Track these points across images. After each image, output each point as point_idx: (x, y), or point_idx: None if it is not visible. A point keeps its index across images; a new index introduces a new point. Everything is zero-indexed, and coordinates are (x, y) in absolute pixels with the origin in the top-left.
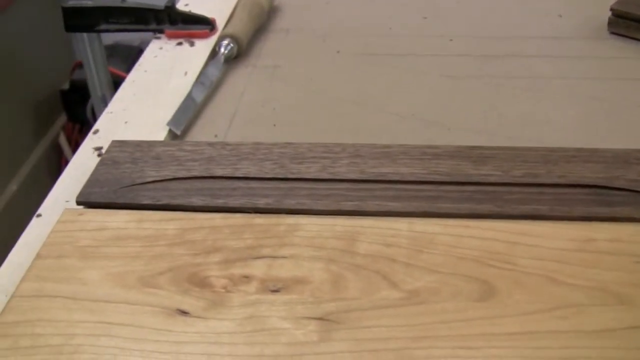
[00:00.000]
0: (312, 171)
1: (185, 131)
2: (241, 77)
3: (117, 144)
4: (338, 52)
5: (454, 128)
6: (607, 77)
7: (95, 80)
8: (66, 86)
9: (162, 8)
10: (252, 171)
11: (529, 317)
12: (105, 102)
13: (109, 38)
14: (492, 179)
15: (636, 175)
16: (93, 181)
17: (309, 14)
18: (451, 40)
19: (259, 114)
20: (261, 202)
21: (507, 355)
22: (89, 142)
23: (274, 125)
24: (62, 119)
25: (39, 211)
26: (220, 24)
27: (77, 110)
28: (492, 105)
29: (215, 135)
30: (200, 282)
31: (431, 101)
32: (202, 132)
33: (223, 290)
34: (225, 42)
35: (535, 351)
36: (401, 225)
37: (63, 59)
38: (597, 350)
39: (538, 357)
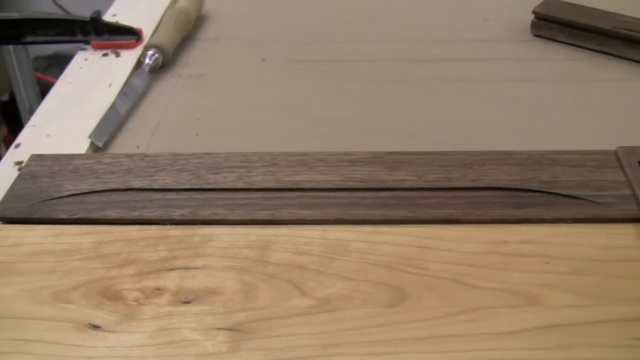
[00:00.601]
0: (228, 181)
1: (108, 143)
2: (166, 87)
3: (36, 158)
4: (263, 60)
5: (379, 133)
6: (531, 79)
7: (23, 93)
8: (6, 97)
9: (88, 19)
10: (169, 182)
11: (437, 321)
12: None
13: (51, 48)
14: (406, 184)
15: (549, 177)
16: (10, 196)
17: (237, 23)
18: (376, 45)
19: (182, 124)
20: (176, 214)
21: None
22: (10, 157)
23: (197, 135)
24: (3, 130)
25: None
26: (147, 34)
27: (18, 121)
28: (418, 109)
29: (138, 147)
30: (112, 296)
31: (357, 107)
32: (124, 144)
33: (135, 303)
34: (150, 52)
35: (442, 355)
36: (314, 233)
37: (2, 70)
38: (504, 352)
39: None
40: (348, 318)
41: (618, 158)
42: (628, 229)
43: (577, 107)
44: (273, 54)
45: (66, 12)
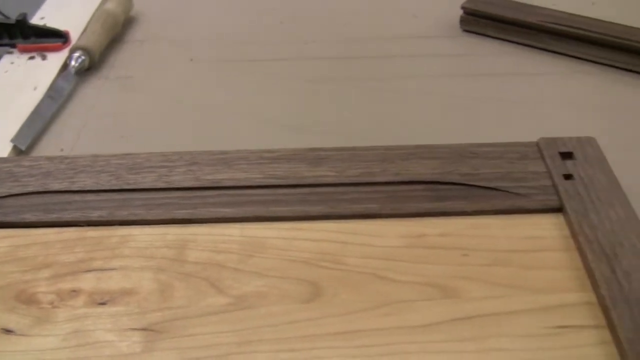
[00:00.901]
0: (147, 181)
1: (32, 146)
2: (93, 89)
3: None
4: (191, 60)
5: (305, 131)
6: (459, 74)
7: None
8: None
9: (14, 22)
10: (89, 184)
11: (353, 316)
12: None
13: None
14: (326, 180)
15: (469, 169)
16: None
17: (166, 24)
18: (306, 43)
19: (108, 125)
20: (94, 215)
21: (329, 356)
22: None
23: (122, 136)
24: None
25: None
26: (75, 36)
27: None
28: (345, 107)
29: (62, 150)
30: (27, 299)
31: (286, 105)
32: (48, 147)
33: (50, 306)
34: (76, 54)
35: (357, 350)
36: (233, 231)
37: None
38: (420, 344)
39: (360, 355)
40: (264, 315)
41: (539, 149)
42: (547, 219)
43: (503, 100)
44: (201, 54)
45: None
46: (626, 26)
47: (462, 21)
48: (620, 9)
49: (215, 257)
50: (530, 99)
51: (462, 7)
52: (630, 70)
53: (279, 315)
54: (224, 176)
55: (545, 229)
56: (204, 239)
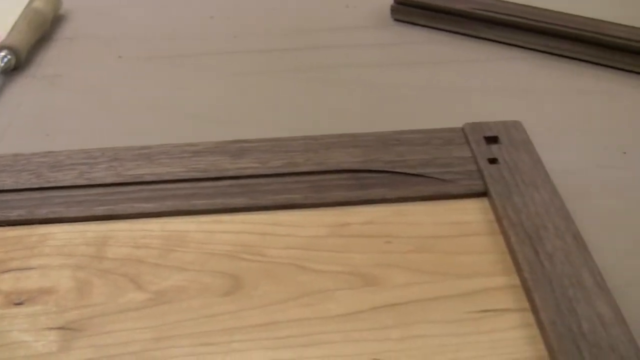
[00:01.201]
0: (68, 178)
1: None
2: (19, 89)
3: None
4: (120, 57)
5: (234, 125)
6: (389, 63)
7: None
8: None
9: None
10: (9, 183)
11: (273, 307)
12: None
13: None
14: (248, 172)
15: (394, 157)
16: None
17: (96, 22)
18: (235, 37)
19: (33, 124)
20: (14, 214)
21: (248, 348)
22: None
23: (47, 135)
24: None
25: None
26: (2, 35)
27: None
28: (275, 99)
29: None
30: None
31: (213, 99)
32: None
33: None
34: (2, 53)
35: (277, 341)
36: (154, 226)
37: None
38: (341, 333)
39: (280, 346)
40: (183, 309)
41: (465, 134)
42: (471, 203)
43: (433, 88)
44: (130, 51)
45: None
46: (555, 11)
47: (393, 10)
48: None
49: (135, 252)
50: (460, 86)
51: None
52: (559, 55)
53: (198, 309)
54: (146, 171)
55: (470, 214)
56: (124, 234)
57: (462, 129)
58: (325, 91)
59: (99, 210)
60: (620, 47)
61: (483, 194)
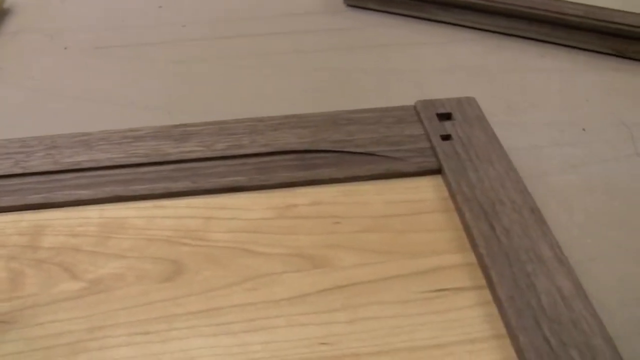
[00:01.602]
0: (3, 167)
1: None
2: None
3: None
4: (65, 48)
5: (178, 113)
6: (341, 48)
7: None
8: None
9: None
10: None
11: (216, 292)
12: None
13: None
14: (192, 156)
15: (343, 136)
16: None
17: (40, 15)
18: (184, 26)
19: None
20: None
21: (187, 336)
22: None
23: None
24: None
25: None
26: None
27: None
28: (221, 85)
29: None
30: None
31: (157, 88)
32: None
33: None
34: None
35: (219, 327)
36: (91, 213)
37: None
38: (286, 317)
39: (222, 333)
40: (119, 298)
41: (417, 112)
42: (425, 181)
43: (385, 70)
44: (76, 42)
45: None
46: None
47: None
48: None
49: (71, 241)
50: (413, 68)
51: None
52: (513, 35)
53: (136, 296)
54: (84, 158)
55: (423, 192)
56: (60, 223)
57: (414, 107)
58: (270, 76)
59: (34, 198)
60: (575, 26)
61: (437, 171)
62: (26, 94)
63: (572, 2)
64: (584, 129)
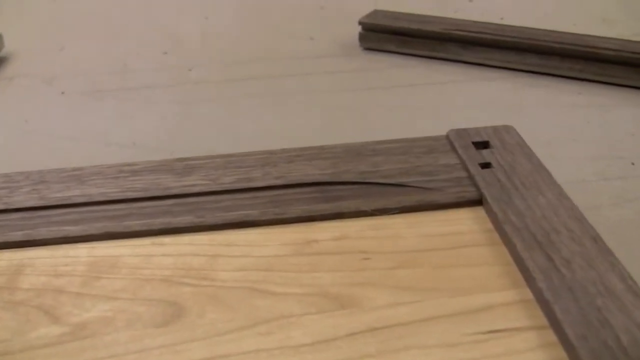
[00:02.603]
0: None
1: None
2: None
3: None
4: (63, 93)
5: (179, 153)
6: (360, 88)
7: None
8: None
9: None
10: None
11: (222, 337)
12: None
13: None
14: (195, 189)
15: (367, 167)
16: None
17: (38, 61)
18: (190, 70)
19: None
20: None
21: None
22: None
23: None
24: None
25: None
26: None
27: None
28: (228, 124)
29: None
30: None
31: (159, 129)
32: None
33: None
34: None
35: None
36: (80, 251)
37: None
38: None
39: None
40: (107, 344)
41: (450, 141)
42: (463, 212)
43: (406, 109)
44: (74, 87)
45: None
46: (535, 29)
47: (362, 38)
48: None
49: (54, 281)
50: (438, 105)
51: (360, 23)
52: (543, 73)
53: (126, 343)
54: (74, 193)
55: (463, 224)
56: (43, 262)
57: (447, 137)
58: (285, 115)
59: (15, 235)
60: (610, 60)
61: (476, 202)
62: (16, 135)
63: (602, 37)
64: (633, 163)
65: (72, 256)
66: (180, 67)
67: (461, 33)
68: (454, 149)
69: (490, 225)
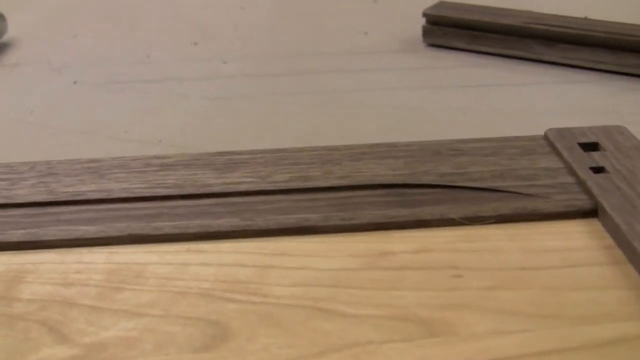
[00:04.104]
0: None
1: None
2: None
3: None
4: (75, 82)
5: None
6: (423, 87)
7: None
8: None
9: None
10: None
11: None
12: None
13: None
14: (241, 188)
15: (450, 168)
16: None
17: (47, 47)
18: (225, 63)
19: None
20: None
21: None
22: None
23: None
24: None
25: None
26: None
27: None
28: (270, 123)
29: None
30: None
31: (187, 125)
32: None
33: None
34: None
35: None
36: (97, 256)
37: None
38: None
39: None
40: None
41: (549, 142)
42: (575, 225)
43: (481, 112)
44: (88, 77)
45: None
46: (628, 24)
47: (425, 33)
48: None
49: (63, 291)
50: (519, 109)
51: (424, 14)
52: (638, 76)
53: None
54: (91, 188)
55: (576, 238)
56: (50, 267)
57: (545, 136)
58: (337, 115)
59: (16, 235)
60: None
61: (590, 212)
62: (19, 127)
63: None
64: None
65: (87, 262)
66: (213, 59)
67: (543, 27)
68: (555, 151)
69: (610, 241)
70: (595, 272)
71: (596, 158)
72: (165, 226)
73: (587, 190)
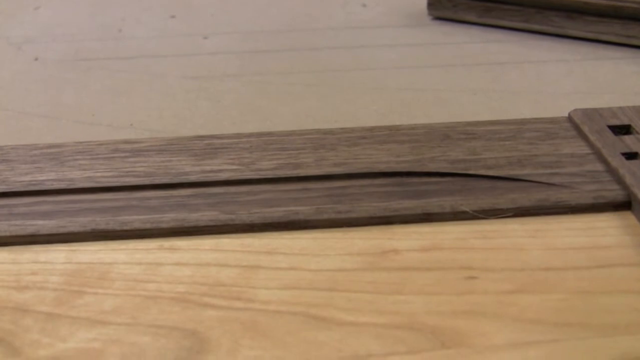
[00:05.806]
0: None
1: None
2: None
3: None
4: (36, 59)
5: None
6: (429, 65)
7: None
8: None
9: None
10: None
11: None
12: None
13: None
14: (222, 176)
15: (462, 154)
16: None
17: (6, 21)
18: (205, 38)
19: None
20: None
21: None
22: None
23: None
24: None
25: None
26: None
27: None
28: (257, 106)
29: None
30: None
31: (163, 107)
32: None
33: None
34: None
35: None
36: (55, 255)
37: None
38: None
39: None
40: None
41: (575, 125)
42: (606, 219)
43: (496, 92)
44: (51, 53)
45: None
46: None
47: (431, 5)
48: None
49: (15, 296)
50: (538, 89)
51: None
52: None
53: None
54: (49, 176)
55: (608, 234)
56: (1, 268)
57: (569, 118)
58: (332, 97)
59: None
60: None
61: (623, 204)
62: None
63: None
64: None
65: (44, 262)
66: (193, 34)
67: None
68: (581, 134)
69: None
70: (629, 274)
71: (629, 142)
72: (135, 220)
73: (619, 179)
